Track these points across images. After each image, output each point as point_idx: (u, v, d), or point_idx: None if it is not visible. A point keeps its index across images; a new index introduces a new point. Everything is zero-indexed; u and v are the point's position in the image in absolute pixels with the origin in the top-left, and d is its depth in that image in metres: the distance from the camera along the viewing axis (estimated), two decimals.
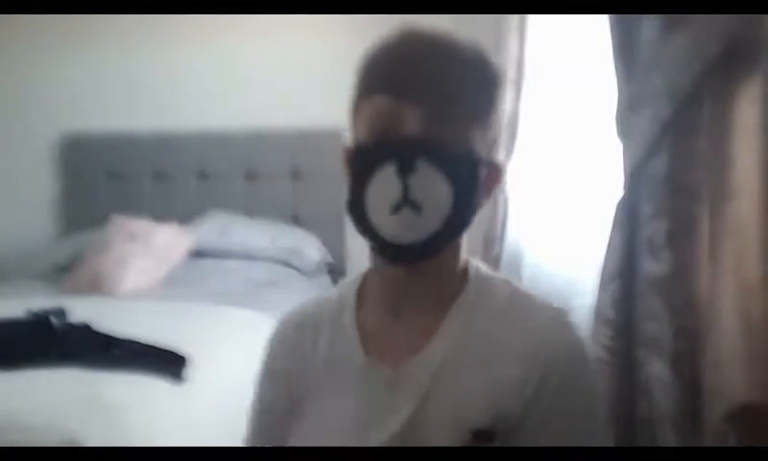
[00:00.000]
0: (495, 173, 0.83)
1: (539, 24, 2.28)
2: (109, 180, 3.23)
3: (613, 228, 1.27)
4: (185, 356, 1.70)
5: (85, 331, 1.73)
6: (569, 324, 0.81)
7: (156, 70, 3.19)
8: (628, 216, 1.24)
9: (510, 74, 2.43)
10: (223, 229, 2.91)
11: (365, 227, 0.77)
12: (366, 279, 0.89)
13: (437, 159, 0.73)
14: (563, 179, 2.11)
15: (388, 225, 0.75)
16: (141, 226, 2.80)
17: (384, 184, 0.74)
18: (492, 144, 0.81)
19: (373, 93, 0.77)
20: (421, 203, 0.73)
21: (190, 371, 1.69)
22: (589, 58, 1.85)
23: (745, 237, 1.03)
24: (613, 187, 1.31)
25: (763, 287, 1.01)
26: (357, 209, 0.77)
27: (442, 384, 0.79)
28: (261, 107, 3.07)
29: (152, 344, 1.72)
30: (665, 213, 1.15)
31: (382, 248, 0.78)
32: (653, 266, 1.17)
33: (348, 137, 0.83)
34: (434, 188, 0.74)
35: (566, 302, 1.85)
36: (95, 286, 2.52)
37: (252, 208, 3.05)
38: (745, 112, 1.04)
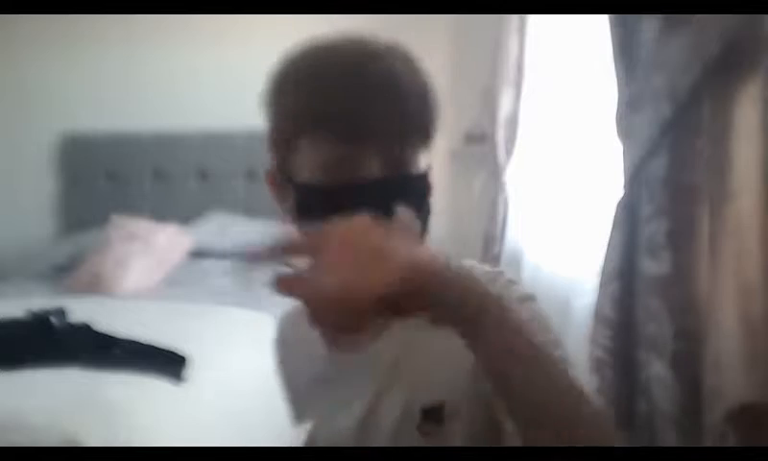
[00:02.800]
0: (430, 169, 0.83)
1: (539, 24, 2.28)
2: (109, 180, 3.23)
3: (613, 228, 1.27)
4: (185, 356, 1.70)
5: (85, 331, 1.73)
6: (511, 281, 0.80)
7: (156, 70, 3.19)
8: (628, 216, 1.24)
9: (510, 74, 2.43)
10: (223, 229, 2.91)
11: None
12: None
13: (407, 202, 0.69)
14: (562, 179, 2.11)
15: None
16: (141, 226, 2.80)
17: None
18: (432, 143, 0.80)
19: (317, 134, 0.73)
20: None
21: (190, 371, 1.69)
22: (589, 58, 1.86)
23: (745, 237, 1.03)
24: (613, 187, 1.31)
25: (763, 287, 1.01)
26: None
27: (399, 369, 0.81)
28: (261, 107, 3.07)
29: (152, 344, 1.72)
30: (665, 213, 1.15)
31: None
32: (653, 266, 1.17)
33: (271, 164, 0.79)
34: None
35: (566, 301, 1.86)
36: (95, 286, 2.52)
37: (252, 208, 3.05)
38: (745, 113, 1.04)
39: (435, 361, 0.79)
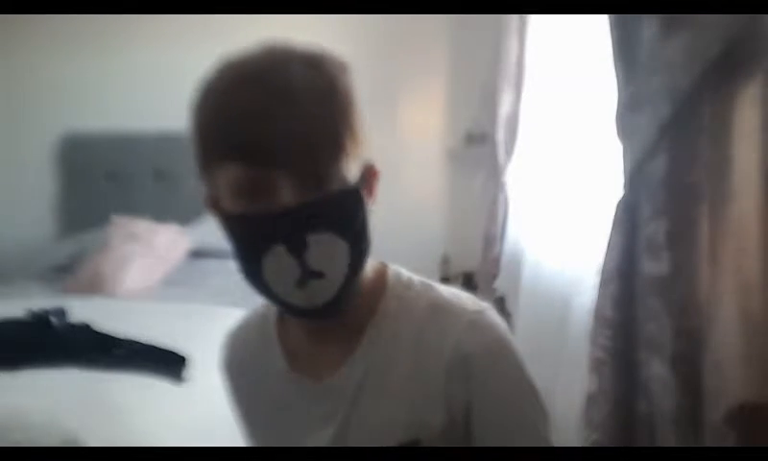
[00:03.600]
0: (371, 173, 0.77)
1: (539, 24, 2.28)
2: (109, 180, 3.23)
3: (613, 228, 1.27)
4: (185, 356, 1.70)
5: (86, 331, 1.74)
6: (488, 323, 0.79)
7: (156, 70, 3.19)
8: (628, 216, 1.24)
9: (510, 74, 2.43)
10: None
11: (271, 297, 0.75)
12: None
13: (325, 226, 0.70)
14: (562, 179, 2.11)
15: (295, 296, 0.72)
16: (141, 226, 2.80)
17: (279, 264, 0.70)
18: (362, 151, 0.74)
19: (226, 160, 0.69)
20: (323, 269, 0.71)
21: (190, 371, 1.70)
22: (589, 58, 1.85)
23: (745, 237, 1.03)
24: (613, 187, 1.31)
25: (763, 287, 1.01)
26: (257, 281, 0.74)
27: (365, 399, 0.79)
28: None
29: (152, 344, 1.72)
30: (665, 213, 1.15)
31: (302, 314, 0.76)
32: (653, 266, 1.17)
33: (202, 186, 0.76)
34: (331, 252, 0.71)
35: (566, 301, 1.86)
36: (95, 286, 2.52)
37: None
38: (745, 113, 1.04)
39: (406, 389, 0.78)
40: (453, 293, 0.83)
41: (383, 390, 0.79)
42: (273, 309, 0.87)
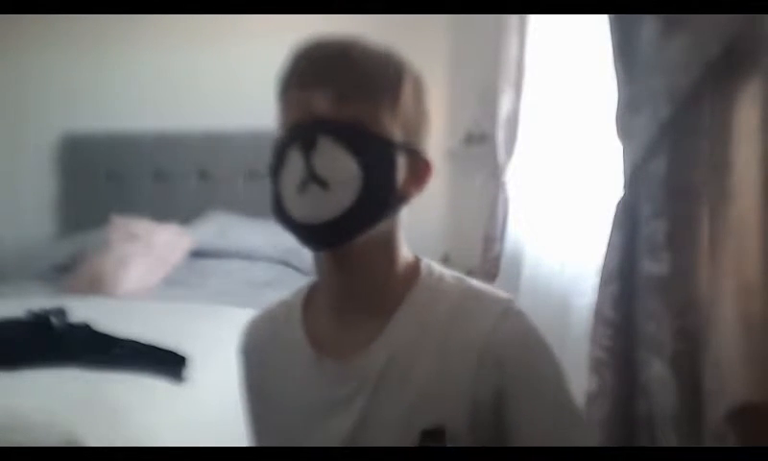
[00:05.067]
0: (423, 166, 0.82)
1: (539, 24, 2.28)
2: (109, 180, 3.23)
3: (613, 228, 1.27)
4: (185, 356, 1.70)
5: (85, 331, 1.74)
6: (519, 313, 0.81)
7: (156, 70, 3.19)
8: (628, 216, 1.24)
9: (510, 74, 2.43)
10: (222, 229, 2.91)
11: (281, 215, 0.78)
12: (314, 285, 0.91)
13: (338, 135, 0.74)
14: (563, 179, 2.11)
15: (297, 205, 0.75)
16: (141, 226, 2.80)
17: (291, 166, 0.75)
18: (412, 133, 0.81)
19: (286, 90, 0.80)
20: (327, 178, 0.74)
21: (190, 371, 1.70)
22: (589, 58, 1.85)
23: (745, 237, 1.03)
24: (613, 187, 1.31)
25: (763, 287, 1.01)
26: (275, 201, 0.78)
27: (390, 383, 0.79)
28: (261, 107, 3.04)
29: (152, 344, 1.72)
30: (665, 213, 1.15)
31: (296, 231, 0.78)
32: (653, 266, 1.17)
33: None
34: (339, 164, 0.74)
35: (566, 301, 1.86)
36: (95, 286, 2.52)
37: (252, 208, 3.05)
38: (745, 113, 1.04)
39: (433, 375, 0.79)
40: (484, 285, 0.85)
41: (408, 376, 0.79)
42: (299, 298, 0.90)
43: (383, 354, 0.80)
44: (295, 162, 0.74)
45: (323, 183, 0.73)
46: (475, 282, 0.85)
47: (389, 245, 0.83)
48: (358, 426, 0.80)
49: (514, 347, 0.78)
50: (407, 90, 0.80)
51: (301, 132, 0.75)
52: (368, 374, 0.80)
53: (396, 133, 0.78)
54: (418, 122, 0.82)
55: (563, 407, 0.80)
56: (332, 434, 0.81)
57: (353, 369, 0.81)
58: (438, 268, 0.86)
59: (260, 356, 0.93)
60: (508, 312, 0.80)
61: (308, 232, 0.77)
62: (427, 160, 0.83)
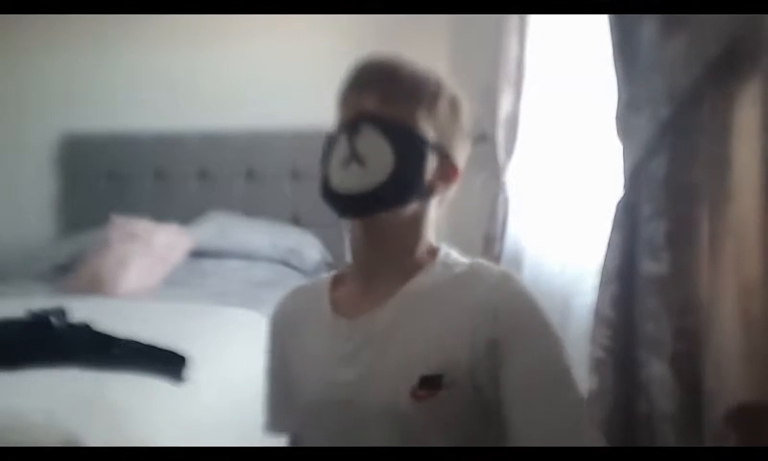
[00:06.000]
0: (450, 167, 0.95)
1: (539, 24, 2.28)
2: (109, 180, 3.23)
3: (613, 228, 1.27)
4: (185, 356, 1.70)
5: (85, 331, 1.73)
6: (518, 280, 0.92)
7: (156, 70, 3.19)
8: (628, 216, 1.24)
9: (510, 74, 2.43)
10: (222, 229, 2.91)
11: (324, 188, 0.92)
12: (344, 269, 1.04)
13: (378, 124, 0.89)
14: (563, 179, 2.11)
15: (339, 178, 0.89)
16: (141, 226, 2.80)
17: (338, 149, 0.90)
18: (445, 140, 0.94)
19: (342, 95, 0.95)
20: (365, 157, 0.88)
21: (190, 371, 1.69)
22: (589, 58, 1.86)
23: (745, 237, 1.03)
24: (613, 187, 1.31)
25: (763, 287, 1.01)
26: (323, 180, 0.92)
27: (395, 336, 0.90)
28: (261, 107, 3.07)
29: (152, 344, 1.72)
30: (665, 213, 1.15)
31: (335, 200, 0.91)
32: (653, 266, 1.17)
33: None
34: (376, 146, 0.88)
35: (566, 301, 1.86)
36: (95, 286, 2.52)
37: (252, 208, 3.05)
38: (745, 113, 1.04)
39: (435, 331, 0.89)
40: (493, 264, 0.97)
41: (411, 333, 0.90)
42: (329, 276, 1.04)
43: (389, 315, 0.92)
44: (342, 145, 0.90)
45: (361, 161, 0.88)
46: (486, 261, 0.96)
47: (414, 228, 0.95)
48: (363, 376, 0.90)
49: (508, 302, 0.88)
50: (443, 102, 0.94)
51: (350, 122, 0.91)
52: (374, 330, 0.92)
53: (430, 134, 0.92)
54: (452, 131, 0.95)
55: (551, 364, 0.88)
56: (339, 382, 0.91)
57: (362, 327, 0.93)
58: (455, 253, 0.97)
59: (287, 320, 1.05)
60: (507, 275, 0.92)
61: (345, 202, 0.90)
62: (455, 165, 0.96)
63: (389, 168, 0.88)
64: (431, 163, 0.92)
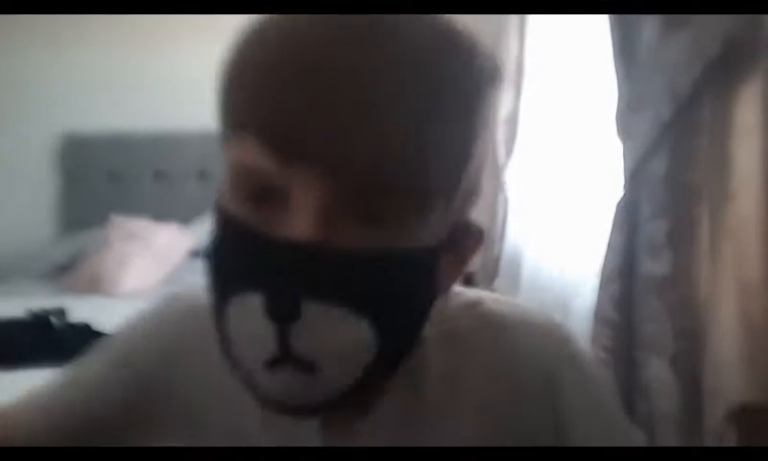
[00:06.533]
0: (474, 237, 0.55)
1: (539, 24, 2.28)
2: (109, 180, 3.23)
3: (613, 228, 1.27)
4: None
5: (85, 331, 1.73)
6: (564, 334, 0.61)
7: (156, 70, 3.19)
8: (628, 216, 1.24)
9: (510, 74, 2.43)
10: None
11: (233, 363, 0.46)
12: None
13: (340, 296, 0.41)
14: (562, 179, 2.11)
15: (265, 379, 0.44)
16: (141, 226, 2.80)
17: (248, 321, 0.43)
18: (468, 199, 0.52)
19: (241, 130, 0.47)
20: (314, 358, 0.42)
21: None
22: (589, 58, 1.86)
23: (745, 237, 1.03)
24: (613, 187, 1.31)
25: (763, 287, 1.01)
26: (219, 329, 0.47)
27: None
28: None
29: None
30: (665, 213, 1.15)
31: (264, 400, 0.46)
32: (653, 266, 1.17)
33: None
34: (336, 335, 0.42)
35: (566, 302, 1.86)
36: (95, 286, 2.52)
37: None
38: (745, 112, 1.04)
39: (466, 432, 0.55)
40: (505, 302, 0.62)
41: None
42: None
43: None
44: (255, 321, 0.42)
45: (305, 365, 0.43)
46: (491, 299, 0.64)
47: None
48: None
49: (565, 374, 0.58)
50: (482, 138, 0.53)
51: (268, 275, 0.43)
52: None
53: (442, 230, 0.49)
54: (478, 176, 0.54)
55: (620, 422, 0.59)
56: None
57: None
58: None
59: (178, 347, 0.68)
60: (551, 338, 0.60)
61: (285, 411, 0.47)
62: (476, 228, 0.56)
63: (365, 361, 0.44)
64: (444, 263, 0.49)
